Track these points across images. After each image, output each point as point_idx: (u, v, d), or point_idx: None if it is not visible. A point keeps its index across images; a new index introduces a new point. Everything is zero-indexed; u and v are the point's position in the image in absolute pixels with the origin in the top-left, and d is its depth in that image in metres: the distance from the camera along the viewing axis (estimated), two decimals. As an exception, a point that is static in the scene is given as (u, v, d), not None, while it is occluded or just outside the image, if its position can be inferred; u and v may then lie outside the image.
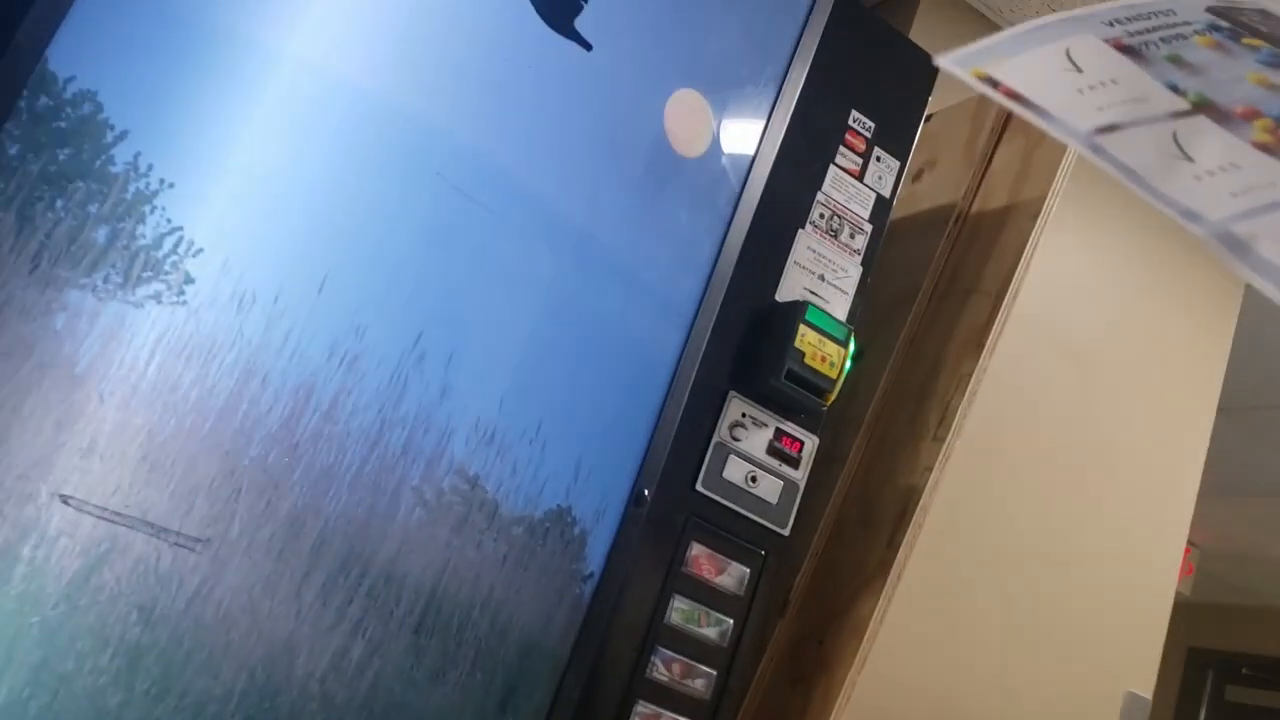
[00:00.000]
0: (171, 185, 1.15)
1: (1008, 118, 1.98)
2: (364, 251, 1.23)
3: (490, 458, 1.27)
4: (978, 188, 1.95)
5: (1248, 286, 2.84)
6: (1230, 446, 2.90)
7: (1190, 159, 0.80)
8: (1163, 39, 0.83)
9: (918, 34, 2.35)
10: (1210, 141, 0.81)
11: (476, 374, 1.27)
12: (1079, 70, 0.81)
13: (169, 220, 1.15)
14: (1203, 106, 0.83)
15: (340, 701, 1.17)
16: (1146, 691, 2.60)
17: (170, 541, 1.10)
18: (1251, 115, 0.83)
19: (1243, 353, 2.81)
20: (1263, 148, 0.82)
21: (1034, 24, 0.83)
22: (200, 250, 1.16)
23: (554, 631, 1.31)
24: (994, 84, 0.81)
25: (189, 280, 1.15)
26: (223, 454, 1.14)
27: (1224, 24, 0.81)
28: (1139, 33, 0.82)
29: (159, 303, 1.13)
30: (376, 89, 1.25)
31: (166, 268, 1.14)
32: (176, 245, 1.15)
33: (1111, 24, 0.82)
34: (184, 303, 1.14)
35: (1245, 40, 0.82)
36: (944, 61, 0.84)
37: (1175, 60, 0.83)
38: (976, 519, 2.32)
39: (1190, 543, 2.73)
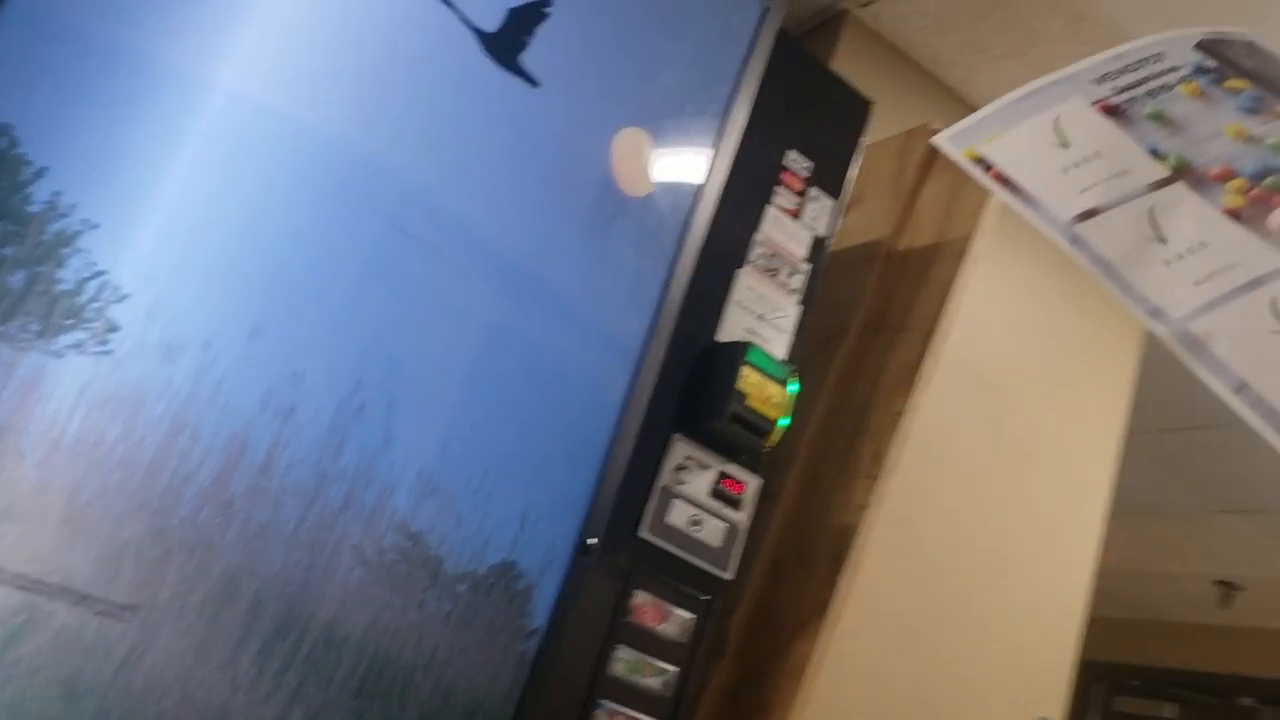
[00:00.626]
0: (95, 226, 1.08)
1: (934, 154, 2.00)
2: (300, 294, 1.17)
3: (433, 511, 1.22)
4: (904, 224, 1.96)
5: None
6: (1126, 466, 2.98)
7: (1163, 239, 0.82)
8: (1149, 92, 0.84)
9: (838, 66, 2.36)
10: (1184, 214, 0.83)
11: (419, 422, 1.22)
12: (1065, 145, 0.82)
13: (91, 263, 1.07)
14: (1181, 171, 0.84)
15: (277, 774, 1.11)
16: (1055, 714, 2.65)
17: (95, 610, 1.02)
18: (1225, 176, 0.85)
19: (1143, 378, 2.89)
20: (1233, 214, 0.84)
21: (1028, 88, 0.83)
22: (125, 295, 1.08)
23: (499, 690, 1.26)
24: (986, 166, 0.81)
25: (113, 328, 1.07)
26: (151, 513, 1.06)
27: (1211, 63, 0.83)
28: (1127, 87, 0.83)
29: (81, 352, 1.05)
30: (314, 123, 1.19)
31: (89, 314, 1.06)
32: (100, 290, 1.07)
33: (1100, 80, 0.83)
34: (108, 352, 1.07)
35: (1228, 83, 0.83)
36: (941, 140, 0.84)
37: (1158, 118, 0.84)
38: (899, 555, 2.33)
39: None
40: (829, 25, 2.54)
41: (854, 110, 1.70)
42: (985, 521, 2.54)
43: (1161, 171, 0.86)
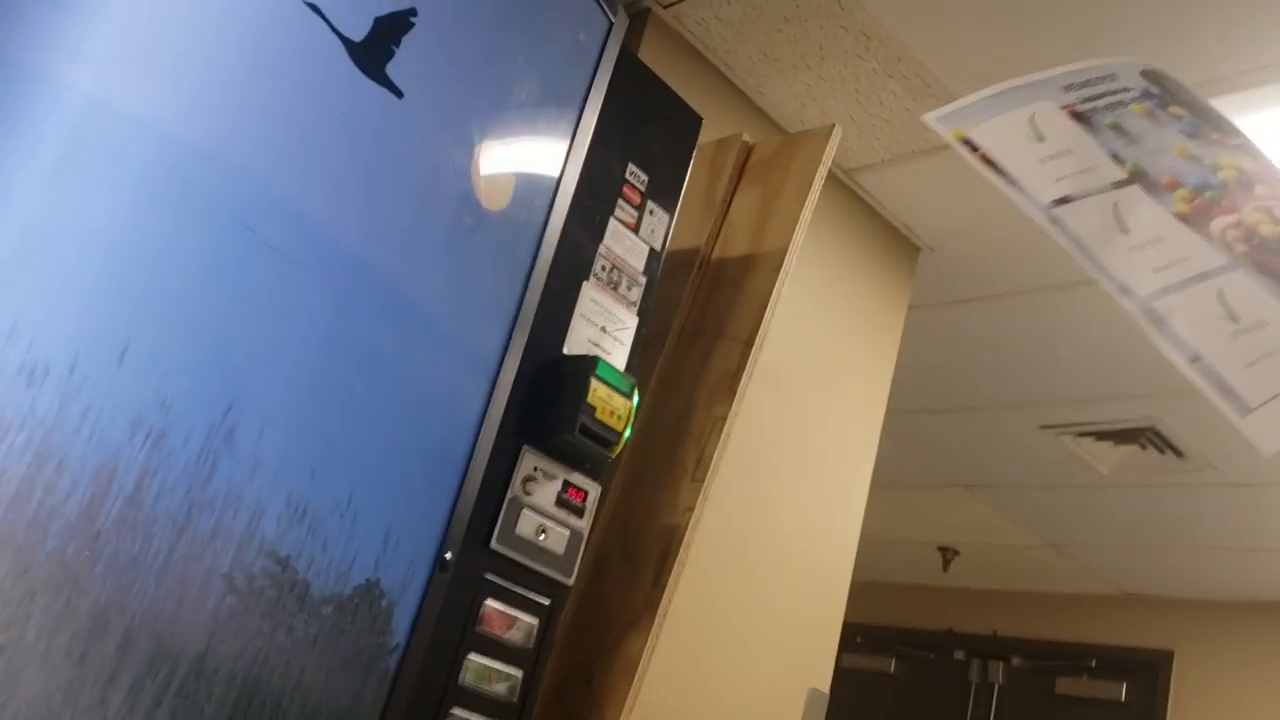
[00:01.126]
0: (-54, 240, 0.99)
1: (743, 167, 2.10)
2: (170, 314, 1.11)
3: (302, 535, 1.20)
4: (718, 233, 2.05)
5: (909, 310, 3.17)
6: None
7: (1126, 230, 0.92)
8: (1107, 105, 0.94)
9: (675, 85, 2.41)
10: (1142, 212, 0.94)
11: (288, 445, 1.19)
12: (1041, 140, 0.91)
13: (-59, 280, 0.99)
14: (1137, 176, 0.95)
15: (145, 813, 1.07)
16: (824, 685, 2.85)
17: (-43, 658, 0.95)
18: (1174, 186, 0.97)
19: (898, 366, 3.13)
20: (1182, 218, 0.96)
21: (1003, 86, 0.91)
22: (-21, 315, 1.00)
23: (362, 709, 1.26)
24: (972, 148, 0.89)
25: (-33, 350, 0.99)
26: (14, 549, 1.00)
27: (1155, 89, 0.94)
28: (1089, 99, 0.93)
29: (-68, 378, 0.97)
30: (180, 132, 1.14)
31: (-61, 336, 0.98)
32: (-50, 309, 0.99)
33: (1067, 88, 0.93)
34: (-38, 377, 0.99)
35: (1171, 109, 0.95)
36: (930, 119, 0.91)
37: (1117, 129, 0.95)
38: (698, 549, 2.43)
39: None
40: (634, 24, 2.59)
41: (686, 124, 1.76)
42: (759, 501, 2.69)
43: (1121, 174, 0.97)
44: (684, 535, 1.71)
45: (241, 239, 1.17)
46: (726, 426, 1.78)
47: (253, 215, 1.18)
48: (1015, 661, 5.79)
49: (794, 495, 2.81)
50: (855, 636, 6.39)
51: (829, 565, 2.90)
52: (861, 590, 6.36)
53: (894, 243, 3.17)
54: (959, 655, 5.96)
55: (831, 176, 2.98)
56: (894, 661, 6.28)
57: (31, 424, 1.01)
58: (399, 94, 1.31)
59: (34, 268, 1.04)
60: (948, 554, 5.60)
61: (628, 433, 1.54)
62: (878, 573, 6.24)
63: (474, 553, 1.42)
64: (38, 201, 1.04)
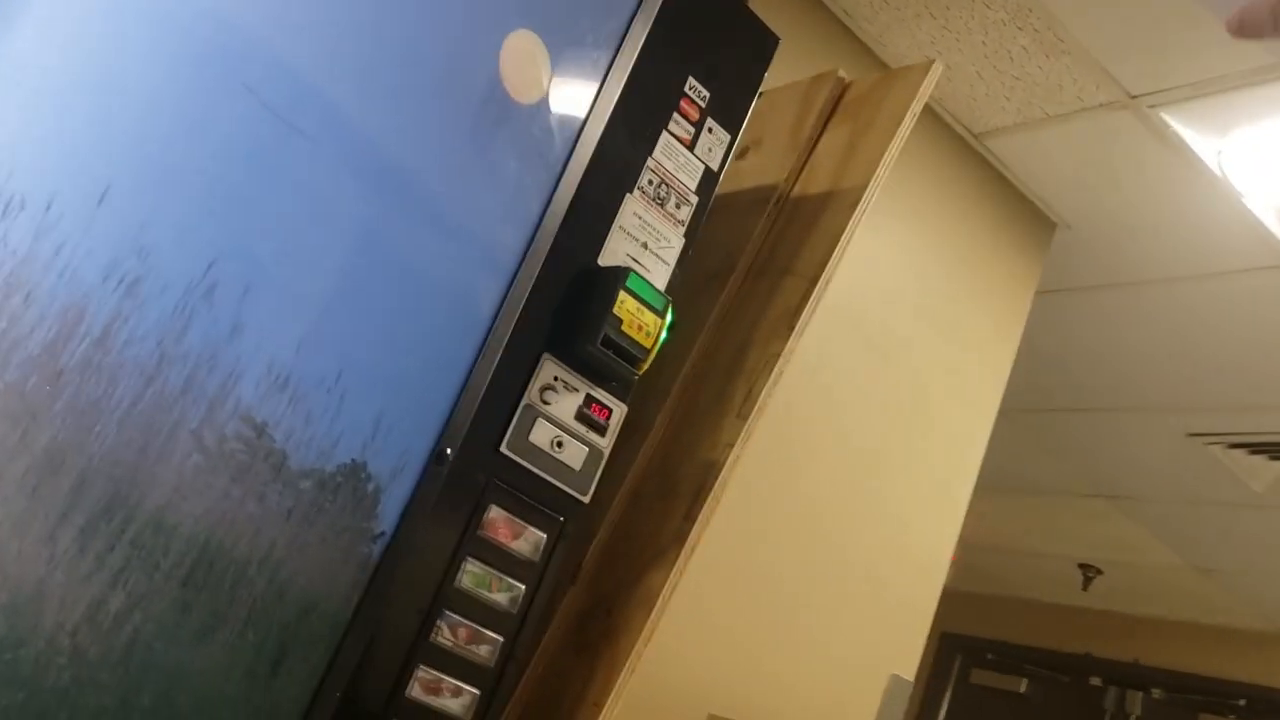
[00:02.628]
0: (-68, 66, 1.01)
1: (836, 103, 2.00)
2: (156, 165, 1.11)
3: (281, 405, 1.18)
4: (800, 171, 1.95)
5: (1036, 296, 2.98)
6: (1004, 444, 3.05)
7: None
8: None
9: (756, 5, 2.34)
10: None
11: (273, 313, 1.17)
12: None
13: (-74, 106, 1.00)
14: None
15: (93, 657, 1.06)
16: (909, 674, 2.71)
17: (-100, 470, 0.97)
18: None
19: (1025, 357, 2.95)
20: None
21: None
22: (-39, 144, 1.02)
23: (338, 592, 1.23)
24: None
25: (-55, 176, 1.01)
26: (-28, 376, 1.01)
27: None
28: None
29: (-94, 198, 0.99)
30: (184, -12, 1.13)
31: (-81, 159, 1.00)
32: (-67, 135, 1.01)
33: None
34: (-63, 201, 1.00)
35: None
36: None
37: None
38: (764, 498, 2.35)
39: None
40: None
41: (760, 45, 1.68)
42: (855, 477, 2.57)
43: None
44: (721, 471, 1.63)
45: (241, 100, 1.16)
46: (780, 364, 1.69)
47: (255, 79, 1.16)
48: (1156, 693, 5.44)
49: (895, 478, 2.68)
50: (986, 652, 6.13)
51: (925, 556, 2.75)
52: (995, 604, 6.11)
53: (1027, 217, 3.00)
54: (1095, 681, 5.64)
55: (960, 141, 2.83)
56: (1025, 682, 5.98)
57: (2, 254, 1.02)
58: (425, -28, 1.28)
59: (16, 104, 1.04)
60: (1089, 572, 5.29)
61: (656, 351, 1.47)
62: (1013, 587, 5.97)
63: (480, 455, 1.38)
64: (29, 41, 1.05)
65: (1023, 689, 5.97)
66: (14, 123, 1.04)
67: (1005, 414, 2.91)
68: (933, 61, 1.87)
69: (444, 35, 1.31)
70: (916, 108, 1.85)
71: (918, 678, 2.80)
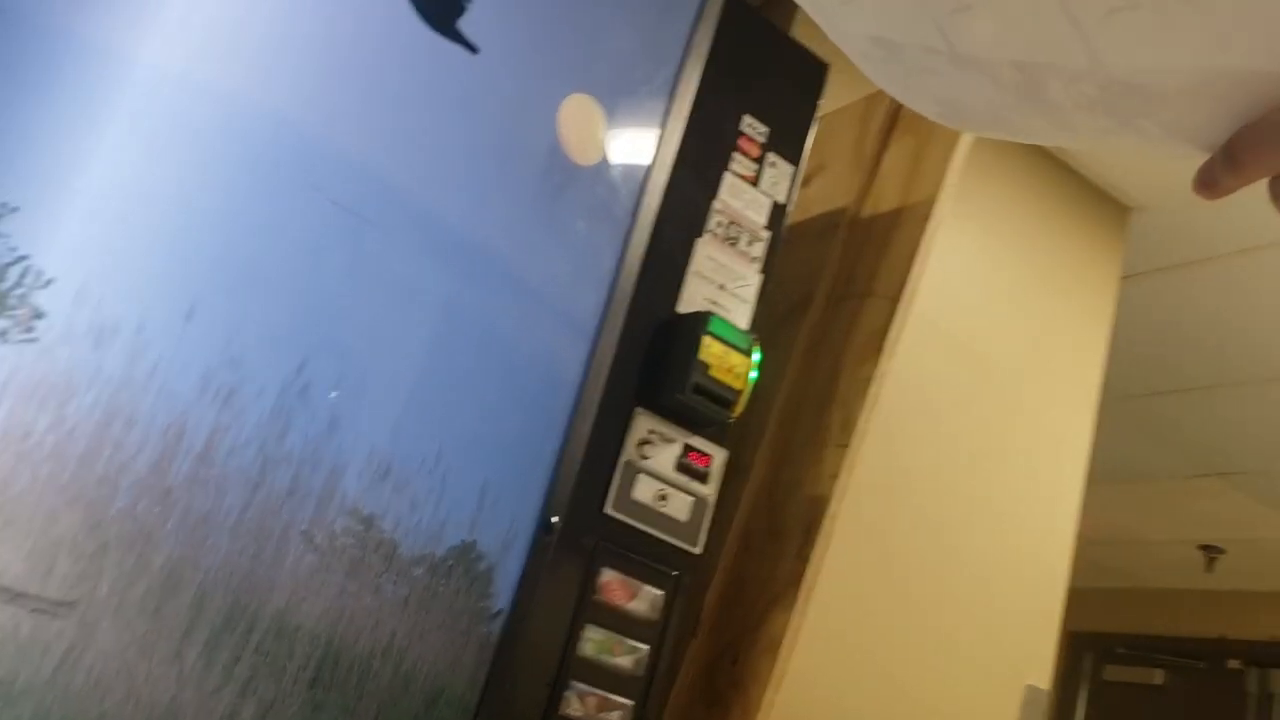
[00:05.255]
0: (15, 209, 1.03)
1: (895, 118, 1.97)
2: (236, 273, 1.12)
3: (386, 493, 1.18)
4: (867, 190, 1.93)
5: (1122, 280, 2.91)
6: (1107, 433, 2.96)
7: None
8: None
9: (798, 32, 2.33)
10: None
11: (367, 402, 1.18)
12: None
13: (12, 249, 1.03)
14: None
15: (231, 770, 1.07)
16: (1044, 683, 2.63)
17: (29, 608, 0.98)
18: None
19: (1120, 343, 2.87)
20: None
21: None
22: (50, 280, 1.04)
23: (462, 675, 1.23)
24: None
25: (39, 314, 1.03)
26: (86, 505, 1.02)
27: None
28: None
29: (5, 341, 1.01)
30: (244, 96, 1.15)
31: (12, 301, 1.02)
32: (23, 276, 1.03)
33: None
34: (34, 339, 1.02)
35: None
36: None
37: None
38: (877, 524, 2.30)
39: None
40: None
41: (810, 74, 1.67)
42: (964, 488, 2.52)
43: None
44: (828, 505, 1.60)
45: (311, 201, 1.17)
46: (874, 387, 1.66)
47: (322, 177, 1.18)
48: (1300, 670, 5.21)
49: (1004, 483, 2.62)
50: (1116, 647, 5.95)
51: (1043, 557, 2.67)
52: (1120, 597, 5.92)
53: (1099, 205, 2.92)
54: (1234, 664, 5.42)
55: (1020, 137, 2.77)
56: (1161, 673, 5.78)
57: (100, 383, 1.04)
58: (473, 49, 1.29)
59: (101, 233, 1.07)
60: (1211, 553, 5.10)
61: (748, 391, 1.45)
62: (1136, 578, 5.80)
63: (587, 518, 1.37)
64: (105, 168, 1.07)
65: (1159, 680, 5.76)
66: (99, 251, 1.06)
67: (1106, 404, 2.83)
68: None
69: (500, 109, 1.32)
70: (978, 110, 1.81)
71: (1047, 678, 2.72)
